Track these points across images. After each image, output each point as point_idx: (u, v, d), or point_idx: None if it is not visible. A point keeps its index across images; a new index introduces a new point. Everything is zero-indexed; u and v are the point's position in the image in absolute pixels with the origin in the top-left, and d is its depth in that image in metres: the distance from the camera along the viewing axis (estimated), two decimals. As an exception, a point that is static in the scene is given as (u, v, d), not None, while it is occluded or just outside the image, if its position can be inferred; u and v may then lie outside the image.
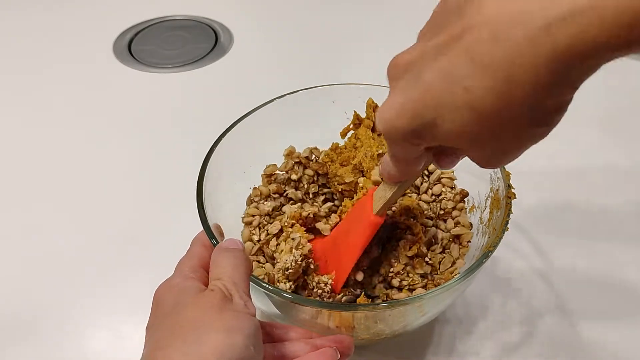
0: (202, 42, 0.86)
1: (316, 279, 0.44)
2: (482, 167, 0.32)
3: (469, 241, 0.48)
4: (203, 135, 0.69)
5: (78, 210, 0.61)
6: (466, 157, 0.33)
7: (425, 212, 0.49)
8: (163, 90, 0.78)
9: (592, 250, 0.57)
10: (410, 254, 0.45)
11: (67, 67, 0.82)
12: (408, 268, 0.46)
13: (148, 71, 0.81)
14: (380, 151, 0.48)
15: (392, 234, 0.47)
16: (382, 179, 0.40)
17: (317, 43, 0.86)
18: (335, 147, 0.51)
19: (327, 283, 0.44)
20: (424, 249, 0.46)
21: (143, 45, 0.86)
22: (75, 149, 0.69)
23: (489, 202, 0.47)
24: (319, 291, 0.44)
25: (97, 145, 0.69)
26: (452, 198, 0.50)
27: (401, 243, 0.46)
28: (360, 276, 0.45)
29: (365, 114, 0.49)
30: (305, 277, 0.45)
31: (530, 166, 0.64)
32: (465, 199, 0.51)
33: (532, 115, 0.27)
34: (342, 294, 0.45)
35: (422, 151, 0.33)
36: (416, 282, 0.45)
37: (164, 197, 0.63)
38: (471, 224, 0.49)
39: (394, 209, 0.48)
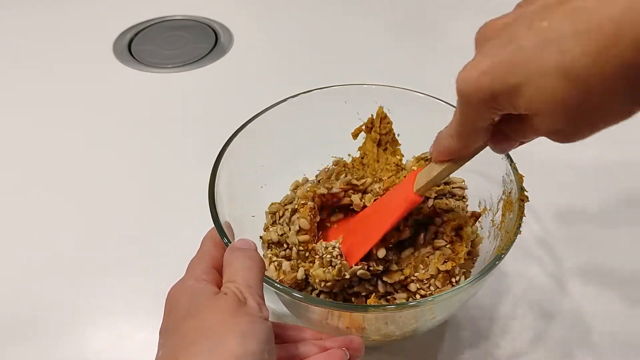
0: (202, 42, 0.86)
1: (323, 244, 0.44)
2: (556, 141, 0.31)
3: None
4: (203, 136, 0.69)
5: (78, 210, 0.61)
6: (469, 162, 0.33)
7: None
8: (163, 90, 0.78)
9: (605, 250, 0.56)
10: (443, 268, 0.44)
11: (67, 67, 0.82)
12: (432, 280, 0.44)
13: (148, 71, 0.81)
14: (385, 177, 0.47)
15: (428, 223, 0.46)
16: (430, 157, 0.39)
17: (317, 43, 0.86)
18: (343, 164, 0.51)
19: (335, 247, 0.43)
20: (457, 270, 0.45)
21: (143, 45, 0.86)
22: (75, 149, 0.69)
23: (501, 204, 0.47)
24: (328, 256, 0.43)
25: (97, 146, 0.69)
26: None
27: (437, 253, 0.45)
28: (382, 253, 0.44)
29: (373, 124, 0.49)
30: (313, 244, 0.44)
31: (542, 166, 0.64)
32: (478, 203, 0.50)
33: (630, 86, 0.25)
34: (359, 265, 0.43)
35: (491, 122, 0.32)
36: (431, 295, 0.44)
37: (164, 197, 0.63)
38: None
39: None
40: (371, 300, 0.44)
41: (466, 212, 0.49)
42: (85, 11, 0.93)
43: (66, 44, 0.86)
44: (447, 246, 0.45)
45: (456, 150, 0.36)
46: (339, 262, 0.43)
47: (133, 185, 0.64)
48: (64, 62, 0.83)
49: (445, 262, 0.44)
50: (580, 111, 0.27)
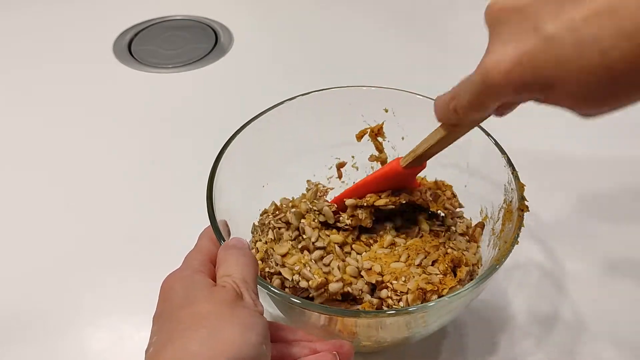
0: (202, 42, 0.86)
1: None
2: (579, 115, 0.30)
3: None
4: (203, 136, 0.69)
5: (78, 210, 0.61)
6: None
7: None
8: (163, 90, 0.78)
9: (607, 250, 0.56)
10: (424, 287, 0.43)
11: (67, 67, 0.82)
12: (405, 296, 0.43)
13: (148, 71, 0.81)
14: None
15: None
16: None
17: (318, 43, 0.86)
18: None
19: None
20: (434, 296, 0.43)
21: (143, 45, 0.86)
22: (74, 149, 0.69)
23: (502, 213, 0.46)
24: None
25: (97, 145, 0.69)
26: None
27: (424, 275, 0.44)
28: (350, 201, 0.46)
29: (380, 132, 0.50)
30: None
31: (541, 171, 0.64)
32: (480, 210, 0.50)
33: None
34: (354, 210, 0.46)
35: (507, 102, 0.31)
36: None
37: (164, 197, 0.63)
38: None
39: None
40: (364, 306, 0.44)
41: (470, 226, 0.49)
42: (85, 11, 0.93)
43: (66, 44, 0.86)
44: (439, 275, 0.44)
45: (459, 118, 0.35)
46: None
47: (132, 185, 0.64)
48: (64, 62, 0.83)
49: (428, 282, 0.43)
50: (614, 100, 0.27)
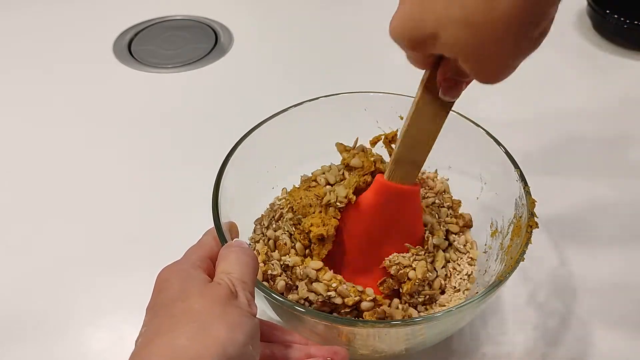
0: (202, 42, 0.86)
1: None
2: (481, 81, 0.34)
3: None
4: (203, 136, 0.69)
5: (78, 210, 0.61)
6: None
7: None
8: (163, 90, 0.78)
9: (618, 258, 0.56)
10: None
11: (67, 67, 0.82)
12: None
13: (148, 71, 0.81)
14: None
15: None
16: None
17: (318, 43, 0.86)
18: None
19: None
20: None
21: (143, 45, 0.86)
22: (74, 148, 0.69)
23: (511, 228, 0.45)
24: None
25: (97, 145, 0.69)
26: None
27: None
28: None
29: (394, 139, 0.49)
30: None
31: (550, 173, 0.63)
32: (490, 224, 0.49)
33: (520, 26, 0.30)
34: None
35: (429, 58, 0.37)
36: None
37: (164, 197, 0.63)
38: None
39: None
40: (367, 315, 0.44)
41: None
42: (85, 11, 0.93)
43: (66, 44, 0.86)
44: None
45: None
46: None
47: (133, 185, 0.64)
48: (64, 62, 0.83)
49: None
50: (484, 53, 0.31)
